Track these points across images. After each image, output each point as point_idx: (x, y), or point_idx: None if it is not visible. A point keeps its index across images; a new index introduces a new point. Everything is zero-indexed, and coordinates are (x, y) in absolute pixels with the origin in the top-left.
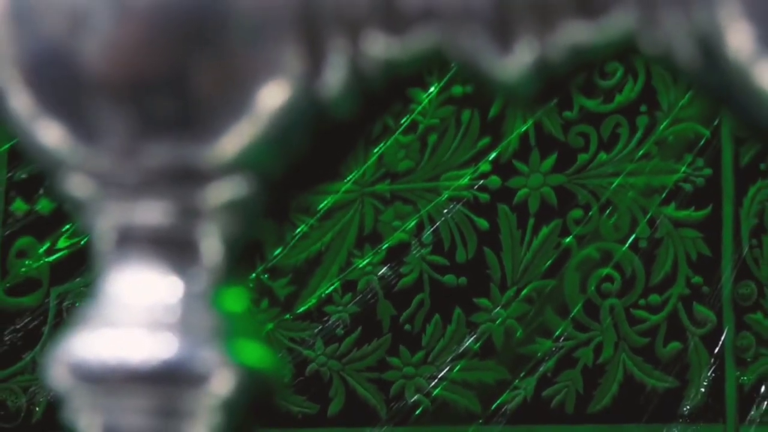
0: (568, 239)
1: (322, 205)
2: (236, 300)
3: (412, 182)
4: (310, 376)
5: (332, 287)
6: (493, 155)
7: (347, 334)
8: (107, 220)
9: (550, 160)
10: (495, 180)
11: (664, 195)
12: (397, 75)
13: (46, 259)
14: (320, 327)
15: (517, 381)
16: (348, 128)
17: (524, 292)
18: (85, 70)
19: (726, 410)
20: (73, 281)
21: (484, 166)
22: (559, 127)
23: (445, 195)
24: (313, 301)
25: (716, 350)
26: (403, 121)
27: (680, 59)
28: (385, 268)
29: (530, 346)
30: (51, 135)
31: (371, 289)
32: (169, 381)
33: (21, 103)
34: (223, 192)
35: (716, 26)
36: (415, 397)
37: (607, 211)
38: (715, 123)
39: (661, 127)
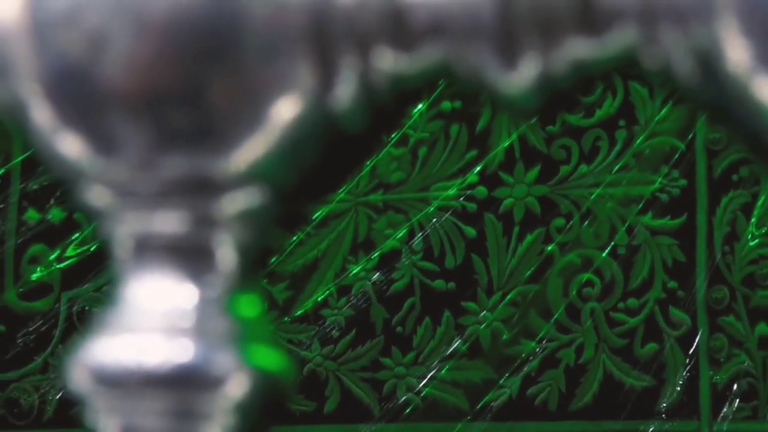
0: (550, 246)
1: (317, 214)
2: (250, 306)
3: (404, 192)
4: (307, 375)
5: (328, 292)
6: (479, 167)
7: (342, 336)
8: (125, 229)
9: (534, 172)
10: (482, 190)
11: (641, 204)
12: (405, 89)
13: (57, 266)
14: (317, 329)
15: (502, 380)
16: (358, 140)
17: (509, 296)
18: (104, 84)
19: (700, 408)
20: (83, 286)
21: (472, 178)
22: (543, 141)
23: (435, 205)
24: (310, 304)
25: (691, 351)
26: (394, 135)
27: (679, 74)
28: (378, 273)
29: (515, 347)
30: (71, 147)
31: (365, 294)
32: (185, 384)
33: (42, 116)
34: (237, 202)
35: (714, 42)
36: (407, 396)
37: (588, 220)
38: (690, 137)
39: (639, 140)
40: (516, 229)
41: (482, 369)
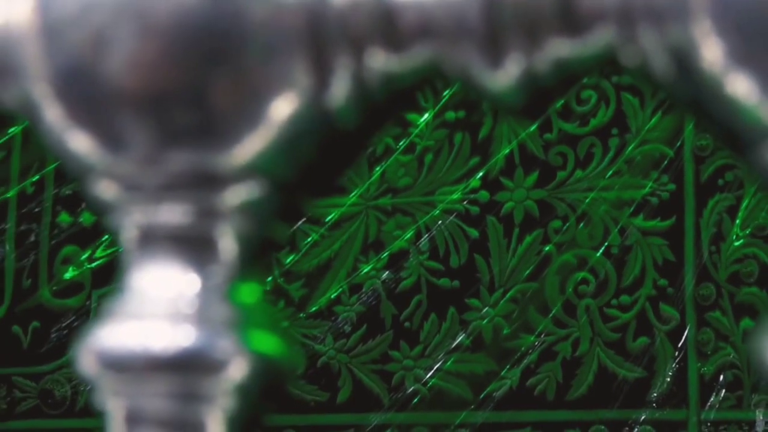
0: (548, 247)
1: (330, 217)
2: (250, 293)
3: (411, 196)
4: (321, 367)
5: (340, 289)
6: (482, 173)
7: (354, 331)
8: (132, 221)
9: (533, 177)
10: (484, 194)
11: (633, 207)
12: (397, 88)
13: (88, 266)
14: (330, 324)
15: (503, 372)
16: (352, 137)
17: (510, 293)
18: (111, 84)
19: (689, 397)
20: (112, 285)
21: (474, 182)
22: (541, 148)
23: (440, 208)
24: (324, 301)
25: (680, 344)
26: (402, 143)
27: (656, 71)
28: (387, 272)
29: (515, 341)
30: (81, 144)
31: (375, 291)
32: (188, 368)
33: (53, 115)
34: (238, 195)
35: (689, 41)
36: (414, 386)
37: (583, 222)
38: (678, 144)
39: (630, 147)
40: (516, 230)
41: (485, 361)
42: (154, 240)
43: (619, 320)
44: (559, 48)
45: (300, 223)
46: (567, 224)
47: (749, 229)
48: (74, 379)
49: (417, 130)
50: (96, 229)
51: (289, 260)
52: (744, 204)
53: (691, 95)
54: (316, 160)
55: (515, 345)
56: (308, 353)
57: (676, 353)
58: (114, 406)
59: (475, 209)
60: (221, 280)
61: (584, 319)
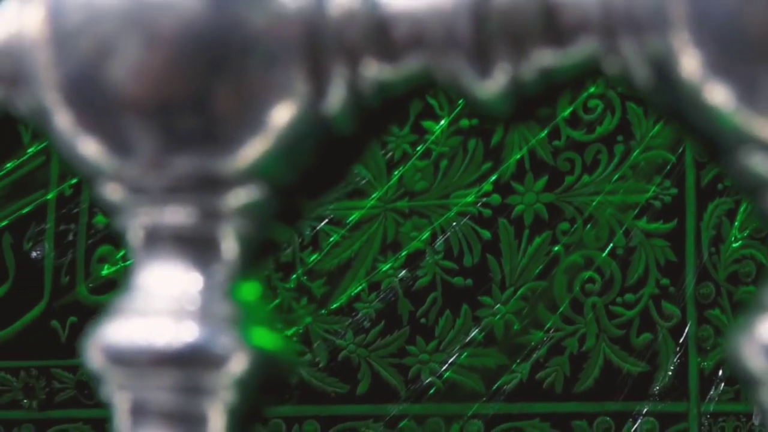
0: (556, 247)
1: (351, 219)
2: (251, 292)
3: (427, 200)
4: (341, 361)
5: (360, 287)
6: (494, 177)
7: (373, 327)
8: (138, 222)
9: (542, 182)
10: (496, 198)
11: (636, 210)
12: (390, 96)
13: (123, 264)
14: (350, 320)
15: (514, 365)
16: (349, 142)
17: (520, 291)
18: (118, 92)
19: (689, 391)
20: None
21: (487, 186)
22: (550, 154)
23: (454, 210)
24: (345, 298)
25: (681, 340)
26: (419, 149)
27: (638, 80)
28: (404, 271)
29: (525, 336)
30: (89, 149)
31: (393, 289)
32: (190, 362)
33: (63, 121)
34: (239, 197)
35: (668, 51)
36: (429, 379)
37: (590, 224)
38: (680, 150)
39: (635, 153)
40: (526, 232)
41: (496, 356)
42: (159, 240)
43: (624, 317)
44: (545, 58)
45: (321, 225)
46: (574, 226)
47: (747, 232)
48: None
49: (433, 137)
50: None
51: (312, 259)
52: (742, 207)
53: (671, 103)
54: (314, 164)
55: (525, 340)
56: (329, 347)
57: (678, 349)
58: (120, 398)
59: (487, 212)
60: (223, 278)
61: (590, 316)
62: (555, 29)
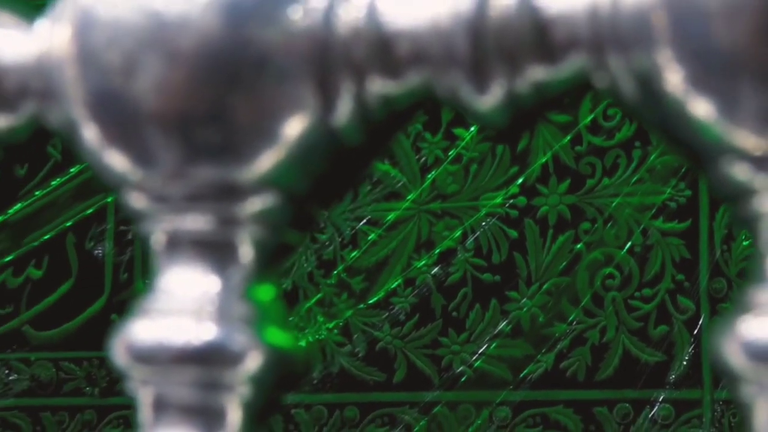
0: (579, 246)
1: (388, 219)
2: (266, 293)
3: (458, 201)
4: (379, 351)
5: (396, 283)
6: (520, 180)
7: (408, 319)
8: (160, 228)
9: (565, 184)
10: (522, 200)
11: (653, 211)
12: (394, 109)
13: None
14: (387, 314)
15: (539, 356)
16: (357, 152)
17: (545, 286)
18: (141, 106)
19: (703, 379)
20: None
21: (514, 189)
22: (572, 159)
23: (483, 211)
24: (382, 293)
25: (695, 332)
26: (450, 154)
27: (625, 94)
28: (437, 268)
29: (550, 328)
30: (115, 160)
31: (426, 285)
32: (209, 360)
33: (90, 134)
34: (255, 205)
35: (653, 67)
36: (461, 368)
37: (610, 224)
38: None
39: (652, 158)
40: (550, 231)
41: (523, 346)
42: (180, 245)
43: (642, 310)
44: (538, 73)
45: (360, 225)
46: (595, 226)
47: None
48: None
49: (463, 143)
50: None
51: (351, 257)
52: None
53: (657, 115)
54: (324, 173)
55: (550, 332)
56: (368, 339)
57: (692, 340)
58: (143, 393)
59: (514, 213)
60: (239, 281)
61: (611, 310)
62: (547, 46)
